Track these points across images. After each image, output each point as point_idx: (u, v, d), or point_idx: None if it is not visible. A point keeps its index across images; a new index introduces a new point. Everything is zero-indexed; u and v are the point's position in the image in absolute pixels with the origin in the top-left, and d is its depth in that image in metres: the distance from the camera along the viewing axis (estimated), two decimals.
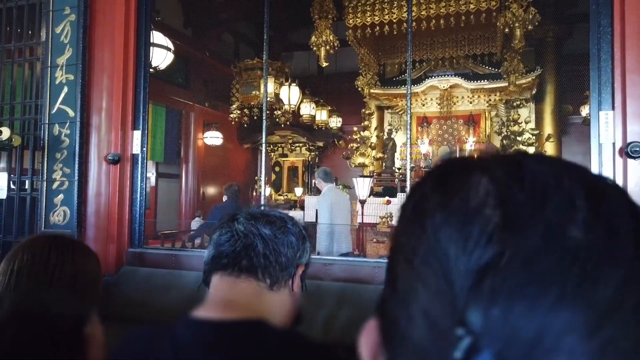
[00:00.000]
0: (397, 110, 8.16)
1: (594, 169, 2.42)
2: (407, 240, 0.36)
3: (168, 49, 4.69)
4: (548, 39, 7.43)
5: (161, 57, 4.62)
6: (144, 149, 2.62)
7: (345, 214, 4.61)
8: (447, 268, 0.32)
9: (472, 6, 5.77)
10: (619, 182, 2.30)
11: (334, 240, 4.26)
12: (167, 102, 7.63)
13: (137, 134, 2.61)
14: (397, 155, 8.01)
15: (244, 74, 7.81)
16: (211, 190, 8.52)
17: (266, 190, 8.24)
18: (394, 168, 7.88)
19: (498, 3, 5.65)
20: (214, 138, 8.35)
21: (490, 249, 0.31)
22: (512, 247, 0.30)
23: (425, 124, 7.94)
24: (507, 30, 5.63)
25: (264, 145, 3.63)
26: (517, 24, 5.36)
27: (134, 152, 2.59)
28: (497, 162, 0.36)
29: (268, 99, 7.06)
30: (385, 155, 7.96)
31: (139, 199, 2.53)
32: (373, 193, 6.68)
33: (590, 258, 0.30)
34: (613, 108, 2.36)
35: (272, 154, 9.32)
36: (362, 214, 5.16)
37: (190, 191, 8.03)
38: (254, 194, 8.48)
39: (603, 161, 2.36)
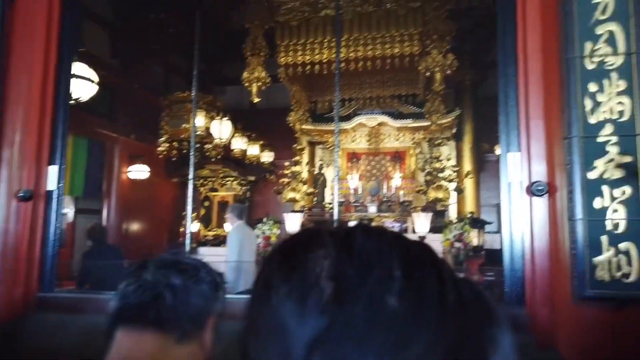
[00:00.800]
0: (328, 146, 8.35)
1: (505, 207, 2.60)
2: (256, 313, 0.39)
3: (92, 80, 4.52)
4: (466, 82, 8.02)
5: (84, 88, 4.44)
6: (60, 184, 2.47)
7: (254, 251, 4.75)
8: (287, 341, 0.35)
9: (396, 50, 6.13)
10: (526, 219, 2.49)
11: (242, 277, 4.26)
12: (90, 134, 7.29)
13: (53, 169, 2.47)
14: (327, 190, 8.15)
15: (174, 106, 7.68)
16: (135, 226, 8.14)
17: (194, 226, 8.01)
18: (324, 203, 7.99)
19: (420, 48, 6.04)
20: (139, 172, 8.04)
21: (322, 321, 0.34)
22: (340, 319, 0.34)
23: (354, 159, 8.18)
24: (428, 73, 6.01)
25: (190, 179, 3.57)
26: (437, 69, 5.75)
27: (48, 189, 2.44)
28: (333, 238, 0.39)
29: (199, 132, 7.00)
30: (316, 190, 8.06)
31: (51, 238, 2.37)
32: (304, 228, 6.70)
33: (403, 324, 0.34)
34: (519, 149, 2.57)
35: (202, 188, 9.12)
36: None
37: (112, 228, 7.62)
38: (181, 229, 8.20)
39: (512, 199, 2.55)
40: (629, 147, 2.16)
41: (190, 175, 3.54)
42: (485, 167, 8.26)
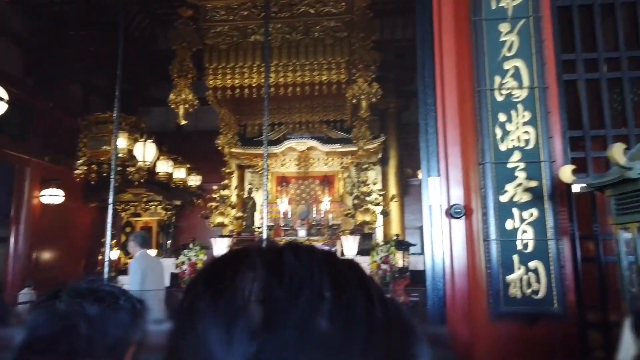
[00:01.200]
0: (257, 170, 8.30)
1: (426, 229, 2.73)
2: (179, 342, 0.37)
3: (1, 98, 4.20)
4: (390, 110, 8.38)
5: None
6: None
7: (160, 280, 4.58)
8: None
9: (324, 77, 6.29)
10: (446, 240, 2.62)
11: None
12: None
13: None
14: (257, 214, 8.07)
15: (94, 127, 7.32)
16: (47, 255, 7.54)
17: (114, 253, 7.56)
18: (254, 227, 7.89)
19: (347, 76, 6.25)
20: (53, 196, 7.50)
21: (252, 348, 0.33)
22: (270, 344, 0.33)
23: (284, 183, 8.19)
24: (355, 100, 6.22)
25: (110, 203, 3.39)
26: (363, 96, 5.96)
27: None
28: (262, 259, 0.38)
29: (121, 155, 6.69)
30: (246, 214, 7.96)
31: None
32: None
33: (333, 345, 0.34)
34: (439, 174, 2.72)
35: (124, 213, 8.67)
36: None
37: (21, 257, 6.99)
38: (100, 257, 7.71)
39: (433, 221, 2.67)
40: (535, 172, 2.36)
41: (110, 200, 3.37)
42: (409, 191, 8.61)
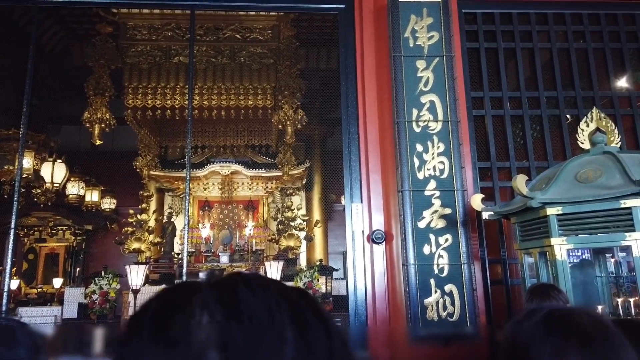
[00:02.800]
0: (178, 193, 8.03)
1: (349, 254, 2.78)
2: None
3: None
4: (315, 137, 8.53)
5: None
6: None
7: None
8: None
9: (250, 102, 6.29)
10: (368, 265, 2.69)
11: None
12: None
13: None
14: (177, 239, 7.76)
15: None
16: None
17: (14, 283, 6.87)
18: (173, 253, 7.57)
19: (273, 102, 6.29)
20: None
21: None
22: None
23: (207, 207, 7.98)
24: (280, 126, 6.27)
25: (12, 228, 3.10)
26: (288, 122, 6.03)
27: None
28: (214, 296, 0.35)
29: (25, 175, 6.18)
30: (164, 240, 7.62)
31: None
32: (149, 281, 6.23)
33: None
34: (361, 201, 2.80)
35: (27, 238, 7.95)
36: (135, 305, 4.73)
37: None
38: None
39: (355, 246, 2.74)
40: (449, 200, 2.51)
41: (12, 224, 3.08)
42: (333, 216, 8.74)
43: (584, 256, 2.16)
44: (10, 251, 3.01)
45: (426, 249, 2.44)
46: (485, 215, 2.54)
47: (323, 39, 7.72)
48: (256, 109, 6.42)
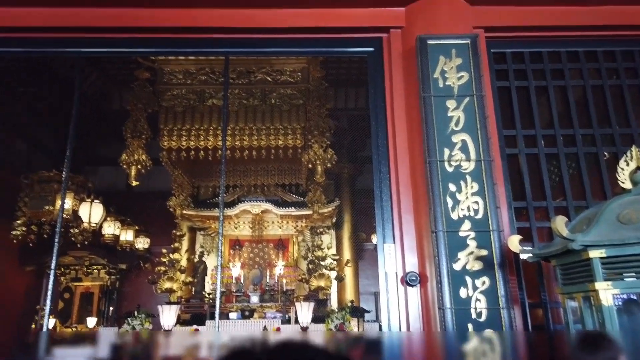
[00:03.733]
0: (209, 232, 8.12)
1: (382, 296, 2.72)
2: None
3: None
4: (344, 175, 8.56)
5: None
6: None
7: None
8: None
9: (280, 142, 6.40)
10: (402, 306, 2.62)
11: None
12: None
13: None
14: (207, 279, 7.79)
15: (37, 186, 6.99)
16: None
17: (51, 322, 6.99)
18: (204, 293, 7.58)
19: (302, 142, 6.39)
20: None
21: None
22: None
23: (237, 246, 8.02)
24: (310, 165, 6.33)
25: (53, 268, 3.18)
26: (318, 162, 6.08)
27: None
28: None
29: (65, 215, 6.39)
30: (195, 280, 7.66)
31: None
32: (180, 321, 6.24)
33: None
34: (394, 242, 2.77)
35: (63, 277, 8.13)
36: (167, 346, 4.72)
37: None
38: (34, 326, 7.11)
39: (389, 288, 2.69)
40: (485, 241, 2.45)
41: (53, 265, 3.17)
42: (364, 255, 8.63)
43: (630, 297, 2.06)
44: (50, 291, 3.08)
45: (463, 292, 2.37)
46: (523, 256, 2.46)
47: (351, 78, 7.87)
48: (286, 149, 6.52)
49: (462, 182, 2.56)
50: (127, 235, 7.92)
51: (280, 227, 8.05)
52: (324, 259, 7.17)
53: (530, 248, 2.29)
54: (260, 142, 6.51)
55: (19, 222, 6.63)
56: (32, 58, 7.10)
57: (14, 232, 6.57)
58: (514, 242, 2.16)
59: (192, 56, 6.14)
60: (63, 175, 3.68)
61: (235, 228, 8.06)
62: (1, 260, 7.18)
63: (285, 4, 3.13)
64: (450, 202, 2.53)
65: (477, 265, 2.41)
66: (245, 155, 6.65)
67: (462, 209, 2.52)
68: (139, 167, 6.37)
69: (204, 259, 7.96)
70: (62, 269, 8.11)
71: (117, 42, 3.26)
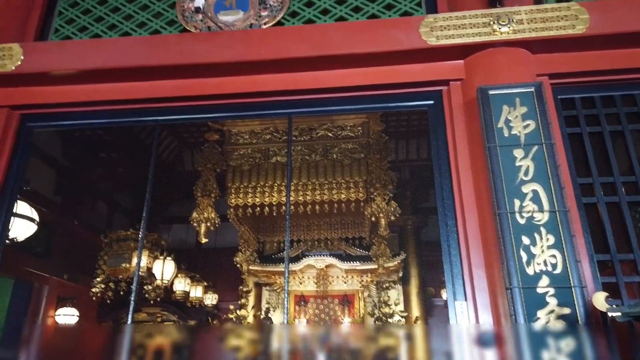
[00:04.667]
0: (275, 288, 8.14)
1: (456, 357, 2.57)
2: None
3: (32, 219, 4.37)
4: (408, 227, 8.39)
5: (23, 228, 4.25)
6: None
7: None
8: None
9: (342, 196, 6.44)
10: None
11: None
12: (17, 273, 6.77)
13: None
14: (274, 336, 7.72)
15: (115, 245, 7.42)
16: None
17: None
18: (270, 351, 7.51)
19: (365, 195, 6.39)
20: (68, 316, 7.37)
21: None
22: None
23: (302, 302, 7.96)
24: (373, 218, 6.28)
25: (129, 323, 3.31)
26: (381, 215, 6.03)
27: None
28: None
29: (140, 273, 6.69)
30: (261, 337, 7.63)
31: None
32: None
33: None
34: (465, 299, 2.63)
35: (136, 334, 8.40)
36: None
37: None
38: None
39: (462, 349, 2.53)
40: (567, 298, 2.27)
41: (129, 320, 3.29)
42: (433, 312, 8.26)
43: None
44: (126, 350, 3.18)
45: (545, 356, 2.18)
46: (611, 314, 2.25)
47: (412, 130, 7.89)
48: (349, 202, 6.55)
49: (536, 235, 2.43)
50: (196, 292, 8.13)
51: (345, 282, 7.93)
52: (391, 315, 6.93)
53: (619, 306, 2.09)
54: (323, 196, 6.59)
55: (98, 279, 7.02)
56: (115, 127, 7.77)
57: (93, 289, 6.95)
58: (599, 299, 1.99)
59: (257, 119, 6.45)
60: (139, 235, 3.89)
61: (300, 283, 8.04)
62: (81, 316, 7.57)
63: (345, 65, 3.24)
64: (524, 256, 2.39)
65: (559, 325, 2.22)
66: (308, 209, 6.74)
67: (538, 264, 2.37)
68: (208, 224, 6.62)
69: (270, 315, 7.94)
70: (136, 325, 8.39)
71: (190, 109, 3.50)
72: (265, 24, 3.48)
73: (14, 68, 3.27)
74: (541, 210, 2.48)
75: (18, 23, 3.65)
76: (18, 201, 3.84)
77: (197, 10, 3.52)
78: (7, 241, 3.28)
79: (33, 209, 4.51)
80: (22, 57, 3.30)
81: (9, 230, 3.13)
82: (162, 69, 3.30)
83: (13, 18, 3.64)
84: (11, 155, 3.25)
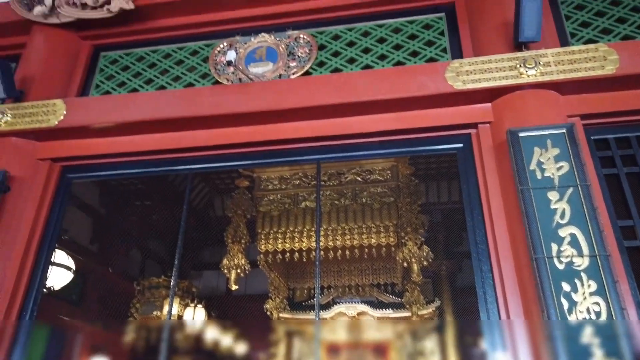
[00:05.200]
0: (306, 337, 7.97)
1: None
2: None
3: (69, 268, 4.48)
4: (442, 272, 8.16)
5: (60, 276, 4.36)
6: None
7: None
8: None
9: (373, 240, 6.37)
10: None
11: None
12: (52, 322, 6.87)
13: None
14: None
15: (147, 292, 7.48)
16: None
17: None
18: None
19: (396, 240, 6.29)
20: None
21: None
22: None
23: (334, 351, 7.73)
24: (405, 264, 6.15)
25: None
26: (413, 259, 5.91)
27: None
28: None
29: (171, 320, 6.69)
30: None
31: None
32: None
33: None
34: (505, 349, 2.51)
35: None
36: None
37: None
38: None
39: None
40: (614, 348, 2.13)
41: None
42: None
43: None
44: None
45: None
46: None
47: (441, 172, 7.82)
48: (379, 247, 6.46)
49: (577, 281, 2.32)
50: (226, 340, 8.02)
51: (378, 331, 7.69)
52: None
53: None
54: (353, 241, 6.53)
55: (130, 327, 7.04)
56: (149, 176, 8.01)
57: (126, 337, 6.96)
58: None
59: (287, 165, 6.55)
60: (171, 283, 3.92)
61: (332, 332, 7.85)
62: None
63: (372, 110, 3.29)
64: (565, 303, 2.28)
65: None
66: (338, 255, 6.67)
67: (580, 311, 2.25)
68: (239, 270, 6.62)
69: None
70: None
71: (222, 158, 3.59)
72: (293, 74, 3.60)
73: (57, 123, 3.46)
74: (580, 254, 2.39)
75: (63, 81, 3.88)
76: (56, 250, 3.96)
77: (229, 63, 3.68)
78: (45, 290, 3.36)
79: (70, 257, 4.62)
80: (65, 112, 3.49)
81: (46, 279, 3.20)
82: (196, 120, 3.42)
83: (59, 77, 3.88)
84: (51, 205, 3.37)
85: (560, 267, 2.38)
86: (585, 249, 2.38)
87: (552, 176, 2.63)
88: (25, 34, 4.06)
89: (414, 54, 3.56)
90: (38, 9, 3.84)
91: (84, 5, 3.85)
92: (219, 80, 3.69)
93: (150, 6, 3.88)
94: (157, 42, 4.05)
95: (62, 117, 3.47)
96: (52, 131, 3.50)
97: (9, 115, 3.48)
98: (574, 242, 2.42)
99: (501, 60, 3.05)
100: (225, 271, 6.73)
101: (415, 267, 6.00)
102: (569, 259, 2.39)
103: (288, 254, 6.81)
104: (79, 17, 3.86)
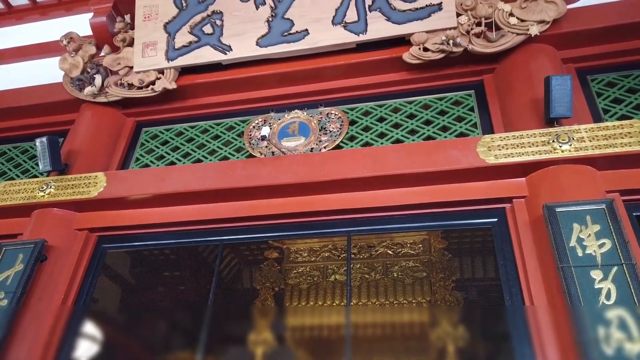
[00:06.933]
0: None
1: None
2: None
3: (96, 339, 4.43)
4: (479, 355, 7.67)
5: (86, 347, 4.30)
6: None
7: None
8: None
9: (405, 318, 6.11)
10: None
11: None
12: None
13: None
14: None
15: None
16: None
17: None
18: None
19: (429, 317, 6.02)
20: None
21: None
22: None
23: None
24: (441, 344, 5.83)
25: None
26: (448, 340, 5.60)
27: None
28: None
29: None
30: None
31: None
32: None
33: None
34: None
35: None
36: None
37: None
38: None
39: None
40: None
41: None
42: None
43: None
44: None
45: None
46: None
47: (475, 247, 7.59)
48: (412, 325, 6.17)
49: None
50: None
51: None
52: None
53: None
54: (384, 317, 6.29)
55: None
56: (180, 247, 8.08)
57: None
58: None
59: (317, 237, 6.52)
60: (197, 358, 3.81)
61: None
62: None
63: (403, 184, 3.29)
64: None
65: None
66: (369, 332, 6.41)
67: None
68: (265, 347, 6.41)
69: None
70: None
71: (253, 229, 3.62)
72: (325, 147, 3.68)
73: (96, 194, 3.59)
74: (631, 340, 2.21)
75: (106, 155, 4.08)
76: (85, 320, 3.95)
77: (263, 138, 3.81)
78: None
79: (98, 328, 4.59)
80: (105, 184, 3.63)
81: (73, 350, 3.18)
82: (229, 192, 3.49)
83: (102, 151, 4.09)
84: (84, 275, 3.42)
85: (609, 351, 2.21)
86: (636, 333, 2.21)
87: (594, 254, 2.52)
88: (74, 111, 4.34)
89: (444, 129, 3.61)
90: (88, 89, 4.13)
91: (131, 86, 4.13)
92: (253, 154, 3.80)
93: (190, 86, 4.12)
94: (196, 119, 4.26)
95: (102, 189, 3.61)
96: (91, 202, 3.63)
97: (53, 187, 3.65)
98: (623, 326, 2.26)
99: (533, 135, 3.05)
100: (252, 346, 6.53)
101: (450, 348, 5.67)
102: (618, 344, 2.21)
103: (316, 330, 6.59)
104: (125, 96, 4.13)
